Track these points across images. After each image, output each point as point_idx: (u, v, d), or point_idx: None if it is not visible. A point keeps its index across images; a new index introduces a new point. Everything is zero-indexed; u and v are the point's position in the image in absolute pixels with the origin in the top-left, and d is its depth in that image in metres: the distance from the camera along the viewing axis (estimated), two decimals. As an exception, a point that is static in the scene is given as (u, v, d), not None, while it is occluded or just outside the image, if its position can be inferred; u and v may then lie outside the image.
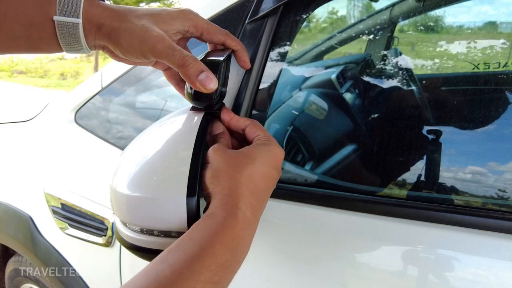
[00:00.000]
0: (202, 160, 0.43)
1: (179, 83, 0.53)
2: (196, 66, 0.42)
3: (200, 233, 0.37)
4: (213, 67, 0.44)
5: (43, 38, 0.42)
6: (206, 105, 0.47)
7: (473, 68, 0.67)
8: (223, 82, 0.52)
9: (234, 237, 0.37)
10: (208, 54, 0.48)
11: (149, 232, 0.45)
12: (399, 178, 0.59)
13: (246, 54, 0.52)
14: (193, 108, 0.50)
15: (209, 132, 0.49)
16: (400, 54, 0.83)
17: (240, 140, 0.51)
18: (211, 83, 0.42)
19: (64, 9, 0.41)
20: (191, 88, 0.44)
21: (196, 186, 0.41)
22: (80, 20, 0.41)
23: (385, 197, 0.58)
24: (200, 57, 0.48)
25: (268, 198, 0.45)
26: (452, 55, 0.69)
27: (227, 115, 0.49)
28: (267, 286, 0.60)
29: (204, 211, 0.40)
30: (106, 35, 0.43)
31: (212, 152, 0.43)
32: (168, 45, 0.42)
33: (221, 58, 0.46)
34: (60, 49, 0.44)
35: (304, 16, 0.69)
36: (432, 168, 0.57)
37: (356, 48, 1.03)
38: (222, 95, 0.52)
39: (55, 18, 0.40)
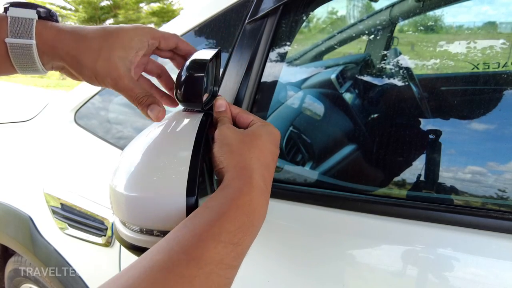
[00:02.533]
0: (201, 160, 0.43)
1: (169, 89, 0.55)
2: (146, 102, 0.45)
3: (217, 201, 0.39)
4: (200, 67, 0.44)
5: None
6: (196, 106, 0.47)
7: (473, 68, 0.67)
8: (213, 81, 0.52)
9: (250, 203, 0.39)
10: (195, 55, 0.47)
11: (149, 232, 0.45)
12: (399, 178, 0.59)
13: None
14: (185, 110, 0.50)
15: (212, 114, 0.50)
16: (400, 54, 0.83)
17: None
18: (153, 113, 0.46)
19: (16, 30, 0.41)
20: (180, 90, 0.44)
21: (196, 185, 0.41)
22: (33, 41, 0.41)
23: (385, 197, 0.57)
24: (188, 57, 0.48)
25: (274, 171, 0.49)
26: (452, 55, 0.69)
27: (224, 101, 0.51)
28: (266, 286, 0.60)
29: (217, 187, 0.42)
30: (63, 59, 0.43)
31: (225, 129, 0.46)
32: (127, 85, 0.44)
33: (208, 58, 0.45)
34: (14, 71, 0.44)
35: (304, 16, 0.69)
36: (432, 168, 0.57)
37: (356, 48, 1.03)
38: (213, 94, 0.52)
39: (7, 40, 0.41)
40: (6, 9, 0.41)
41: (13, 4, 0.42)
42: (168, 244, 0.35)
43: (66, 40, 0.43)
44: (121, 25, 0.46)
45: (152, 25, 0.51)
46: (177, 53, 0.52)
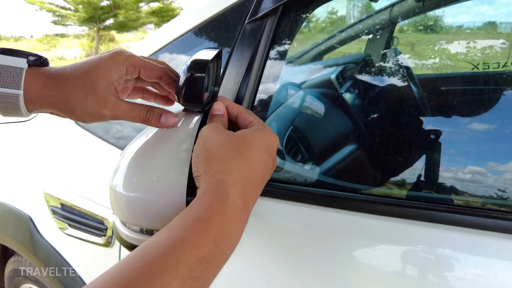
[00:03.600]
0: None
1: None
2: (155, 115, 0.45)
3: (181, 222, 0.33)
4: (201, 67, 0.44)
5: None
6: (197, 106, 0.47)
7: (473, 68, 0.67)
8: (214, 82, 0.52)
9: (220, 226, 0.33)
10: (196, 55, 0.47)
11: (149, 232, 0.45)
12: (399, 178, 0.59)
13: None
14: (185, 109, 0.50)
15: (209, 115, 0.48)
16: (400, 54, 0.83)
17: (230, 128, 0.49)
18: (171, 120, 0.45)
19: (4, 80, 0.40)
20: (181, 91, 0.44)
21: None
22: (20, 92, 0.40)
23: (385, 197, 0.58)
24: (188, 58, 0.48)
25: (263, 186, 0.42)
26: (452, 55, 0.69)
27: (225, 101, 0.48)
28: (266, 286, 0.60)
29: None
30: (52, 105, 0.42)
31: (208, 130, 0.41)
32: (125, 109, 0.43)
33: (209, 58, 0.45)
34: None
35: (304, 16, 0.69)
36: (432, 168, 0.57)
37: (356, 48, 1.03)
38: (214, 94, 0.52)
39: None
40: None
41: (3, 51, 0.40)
42: (116, 274, 0.29)
43: (53, 86, 0.42)
44: (100, 55, 0.45)
45: (151, 25, 0.50)
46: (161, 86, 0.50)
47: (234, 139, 0.40)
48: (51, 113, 0.45)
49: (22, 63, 0.41)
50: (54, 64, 0.45)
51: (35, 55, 0.43)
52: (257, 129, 0.43)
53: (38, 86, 0.42)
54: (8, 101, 0.40)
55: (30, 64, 0.41)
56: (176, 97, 0.46)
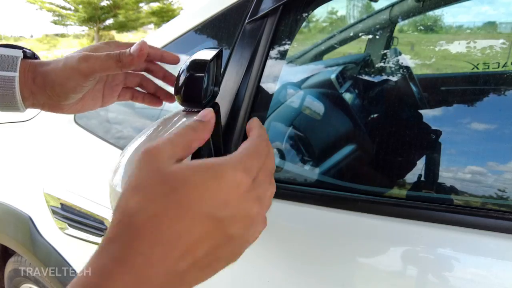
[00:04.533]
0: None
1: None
2: (127, 52, 0.44)
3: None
4: (200, 67, 0.44)
5: None
6: (196, 106, 0.47)
7: (473, 68, 0.67)
8: (214, 81, 0.52)
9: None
10: (195, 55, 0.47)
11: (149, 232, 0.44)
12: (399, 178, 0.59)
13: (168, 54, 0.53)
14: (185, 110, 0.50)
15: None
16: (400, 54, 0.83)
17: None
18: (142, 46, 0.45)
19: (2, 66, 0.44)
20: (180, 91, 0.44)
21: None
22: (16, 74, 0.44)
23: (385, 197, 0.57)
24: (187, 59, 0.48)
25: (212, 262, 0.29)
26: (452, 55, 0.69)
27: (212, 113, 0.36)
28: (266, 286, 0.60)
29: None
30: (41, 82, 0.45)
31: (149, 152, 0.29)
32: (98, 55, 0.44)
33: (208, 58, 0.45)
34: None
35: (304, 16, 0.69)
36: (432, 168, 0.57)
37: (356, 48, 1.03)
38: (214, 94, 0.52)
39: None
40: None
41: (1, 45, 0.45)
42: None
43: (40, 68, 0.45)
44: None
45: (151, 25, 0.53)
46: (152, 63, 0.53)
47: (168, 176, 0.28)
48: (43, 106, 0.47)
49: (18, 53, 0.46)
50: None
51: (30, 50, 0.48)
52: (208, 166, 0.28)
53: (30, 70, 0.45)
54: (4, 85, 0.43)
55: (26, 56, 0.46)
56: (175, 97, 0.46)
